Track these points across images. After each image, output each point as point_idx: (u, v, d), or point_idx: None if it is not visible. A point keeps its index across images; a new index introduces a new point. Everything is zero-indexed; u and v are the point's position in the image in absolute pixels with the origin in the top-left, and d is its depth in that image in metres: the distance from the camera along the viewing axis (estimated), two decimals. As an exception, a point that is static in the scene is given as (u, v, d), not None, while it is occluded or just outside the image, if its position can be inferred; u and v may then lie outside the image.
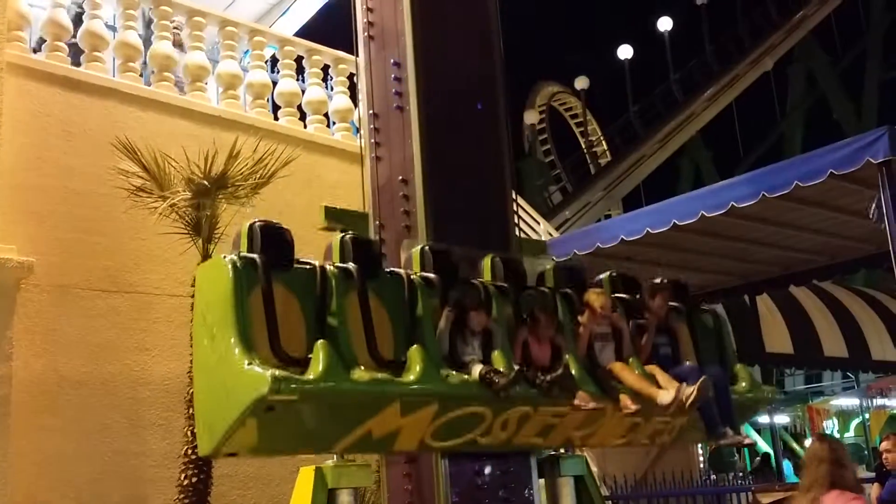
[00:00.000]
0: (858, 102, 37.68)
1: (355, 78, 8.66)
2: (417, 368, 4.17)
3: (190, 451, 6.85)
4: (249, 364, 3.74)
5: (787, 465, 16.55)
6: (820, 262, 10.68)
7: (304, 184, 9.32)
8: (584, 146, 35.95)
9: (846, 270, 11.53)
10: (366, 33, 5.68)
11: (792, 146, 36.16)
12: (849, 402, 20.18)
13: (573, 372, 4.67)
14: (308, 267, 4.23)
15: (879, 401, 19.48)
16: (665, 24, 35.12)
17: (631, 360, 5.03)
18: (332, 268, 4.26)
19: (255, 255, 4.07)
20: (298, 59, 10.76)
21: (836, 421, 20.45)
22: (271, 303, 4.00)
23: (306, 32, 13.62)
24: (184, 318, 7.11)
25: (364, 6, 5.70)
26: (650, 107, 32.70)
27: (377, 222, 5.46)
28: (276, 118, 10.25)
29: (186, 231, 7.28)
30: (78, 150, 8.33)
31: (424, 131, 5.28)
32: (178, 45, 9.95)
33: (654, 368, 5.04)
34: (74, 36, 9.02)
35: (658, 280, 5.44)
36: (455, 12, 5.74)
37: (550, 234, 12.22)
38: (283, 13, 14.37)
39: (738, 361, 5.72)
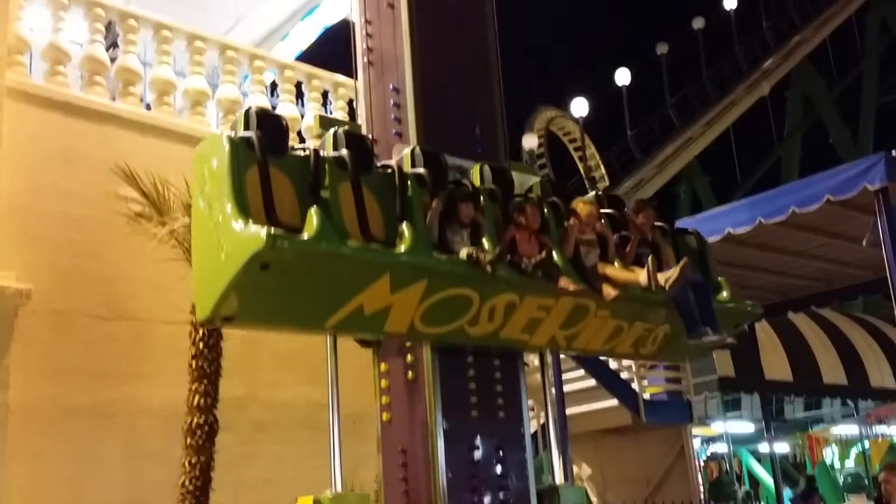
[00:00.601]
0: (855, 127, 37.86)
1: (354, 103, 8.69)
2: (408, 240, 4.33)
3: (187, 482, 6.80)
4: (246, 225, 3.89)
5: (787, 493, 16.46)
6: (818, 288, 10.69)
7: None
8: (582, 171, 35.98)
9: (844, 297, 11.55)
10: (365, 59, 5.72)
11: (790, 170, 36.26)
12: (848, 430, 20.07)
13: (558, 263, 4.84)
14: (303, 154, 4.39)
15: (879, 429, 19.39)
16: (662, 48, 35.32)
17: (616, 262, 5.22)
18: (326, 154, 4.43)
19: (251, 134, 4.23)
20: (298, 84, 10.80)
21: (836, 449, 20.34)
22: (266, 177, 4.15)
23: (306, 57, 13.68)
24: (182, 346, 7.09)
25: (363, 32, 5.73)
26: (648, 132, 32.81)
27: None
28: (275, 143, 10.24)
29: (185, 257, 7.25)
30: (77, 175, 8.32)
31: (422, 137, 5.28)
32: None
33: (636, 269, 5.24)
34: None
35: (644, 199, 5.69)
36: (454, 38, 5.78)
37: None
38: (283, 38, 14.46)
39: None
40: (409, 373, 4.98)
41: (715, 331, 5.28)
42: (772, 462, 14.34)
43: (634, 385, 11.72)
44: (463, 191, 4.77)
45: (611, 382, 11.59)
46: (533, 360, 10.64)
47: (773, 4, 35.58)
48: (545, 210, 5.05)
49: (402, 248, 4.30)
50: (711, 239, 8.14)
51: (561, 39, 47.83)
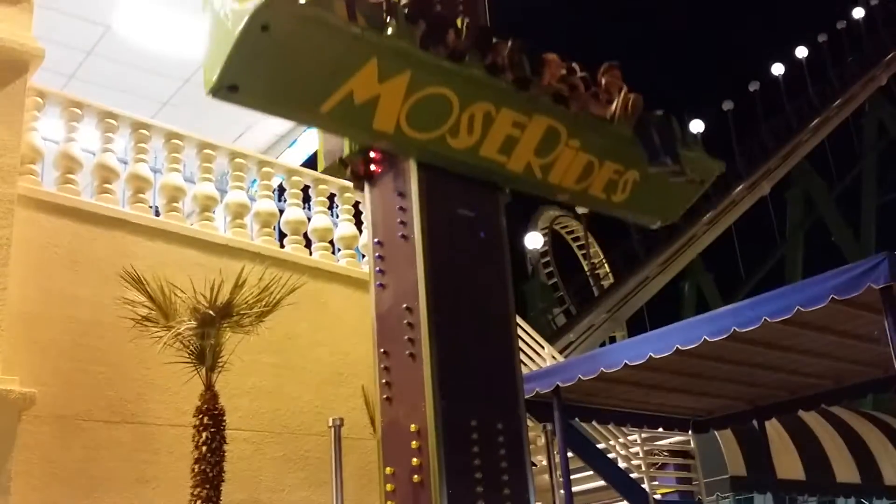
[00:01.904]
0: (856, 225, 38.19)
1: (360, 206, 8.82)
2: (394, 27, 4.86)
3: (189, 588, 6.65)
4: None
5: None
6: (827, 386, 10.57)
7: (309, 310, 9.34)
8: (586, 269, 36.13)
9: (854, 394, 11.40)
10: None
11: (793, 268, 36.43)
12: (865, 530, 19.61)
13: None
14: None
15: (896, 529, 18.93)
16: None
17: None
18: None
19: None
20: (305, 189, 10.97)
21: (852, 549, 19.82)
22: None
23: (313, 163, 13.90)
24: (185, 449, 7.03)
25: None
26: (651, 230, 33.01)
27: (381, 350, 5.48)
28: (282, 246, 10.37)
29: (190, 360, 7.26)
30: (85, 280, 8.39)
31: (429, 260, 5.35)
32: None
33: None
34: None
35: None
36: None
37: (555, 358, 12.16)
38: (291, 144, 14.75)
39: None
40: (415, 476, 4.93)
41: (675, 161, 5.82)
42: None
43: (645, 485, 11.53)
44: (447, 17, 5.36)
45: (620, 482, 11.39)
46: (542, 459, 10.52)
47: (770, 107, 36.39)
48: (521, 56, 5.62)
49: (389, 31, 4.84)
50: (718, 338, 8.16)
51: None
